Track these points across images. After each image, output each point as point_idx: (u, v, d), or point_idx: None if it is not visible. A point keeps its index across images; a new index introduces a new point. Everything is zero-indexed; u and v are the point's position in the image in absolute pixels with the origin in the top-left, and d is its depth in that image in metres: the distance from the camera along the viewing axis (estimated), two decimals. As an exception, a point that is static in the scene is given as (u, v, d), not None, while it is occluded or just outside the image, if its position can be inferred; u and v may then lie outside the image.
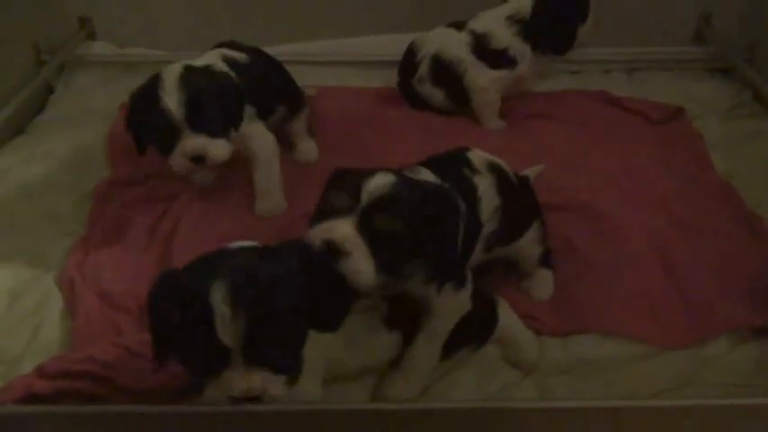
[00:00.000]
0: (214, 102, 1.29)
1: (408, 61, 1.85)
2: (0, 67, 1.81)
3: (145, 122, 1.31)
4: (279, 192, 1.46)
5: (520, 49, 1.75)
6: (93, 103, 1.89)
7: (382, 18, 2.06)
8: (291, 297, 0.83)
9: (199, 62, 1.39)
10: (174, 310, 0.80)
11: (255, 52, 1.58)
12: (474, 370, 1.13)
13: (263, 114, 1.49)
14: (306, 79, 1.80)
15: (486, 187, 1.11)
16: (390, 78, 1.92)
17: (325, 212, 0.92)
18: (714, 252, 1.33)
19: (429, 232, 0.92)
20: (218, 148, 1.30)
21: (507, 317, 1.16)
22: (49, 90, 1.98)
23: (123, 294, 1.21)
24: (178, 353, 0.85)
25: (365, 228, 0.89)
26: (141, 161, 1.59)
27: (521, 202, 1.21)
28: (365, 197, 0.90)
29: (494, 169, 1.16)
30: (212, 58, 1.44)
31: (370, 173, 0.93)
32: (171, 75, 1.28)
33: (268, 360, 0.81)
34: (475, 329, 1.11)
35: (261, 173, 1.45)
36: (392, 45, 1.94)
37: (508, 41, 1.74)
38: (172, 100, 1.25)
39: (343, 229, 0.89)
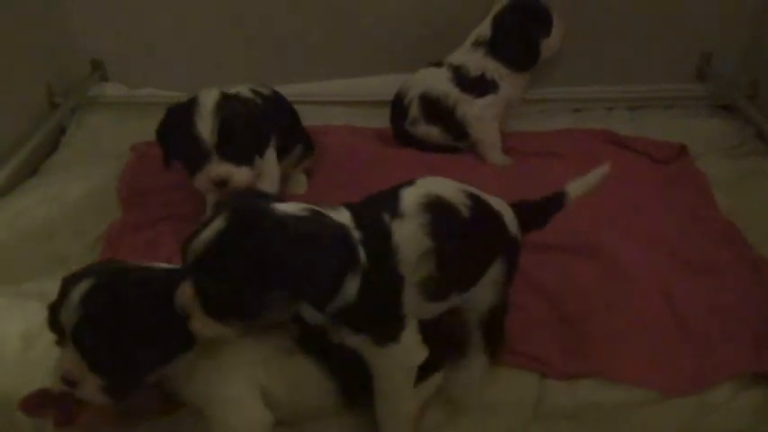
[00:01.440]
0: (244, 131, 1.36)
1: (398, 107, 1.89)
2: (14, 110, 1.86)
3: (176, 140, 1.38)
4: None
5: (494, 68, 1.80)
6: (105, 144, 1.93)
7: (384, 59, 2.10)
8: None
9: (231, 90, 1.46)
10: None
11: (275, 92, 1.66)
12: (474, 413, 1.14)
13: (283, 150, 1.56)
14: (310, 118, 1.84)
15: (408, 232, 1.00)
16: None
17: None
18: (717, 295, 1.33)
19: (265, 272, 0.88)
20: (242, 175, 1.37)
21: None
22: (62, 130, 2.02)
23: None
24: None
25: (197, 286, 0.92)
26: (151, 204, 1.63)
27: (473, 242, 1.07)
28: (189, 257, 0.91)
29: (431, 208, 1.03)
30: (243, 89, 1.52)
31: (205, 223, 0.92)
32: (207, 100, 1.35)
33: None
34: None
35: None
36: (393, 85, 1.96)
37: (482, 65, 1.80)
38: (205, 127, 1.33)
39: (183, 294, 0.92)
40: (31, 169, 1.84)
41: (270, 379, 1.03)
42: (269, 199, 0.99)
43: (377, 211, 1.02)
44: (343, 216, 0.99)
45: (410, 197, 1.04)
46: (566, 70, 2.09)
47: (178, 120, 1.37)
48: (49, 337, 1.26)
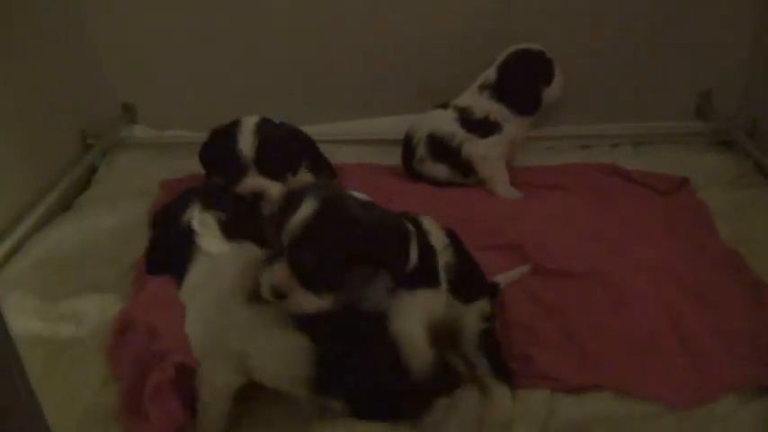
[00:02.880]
0: (279, 150, 1.53)
1: (408, 148, 1.99)
2: (51, 151, 1.97)
3: (219, 157, 1.54)
4: None
5: (498, 111, 1.89)
6: (134, 181, 2.02)
7: (396, 100, 2.21)
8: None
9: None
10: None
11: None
12: (485, 428, 1.18)
13: (313, 174, 1.70)
14: (326, 156, 1.94)
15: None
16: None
17: (271, 254, 1.08)
18: (721, 316, 1.38)
19: (353, 246, 1.03)
20: (275, 189, 1.52)
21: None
22: (93, 170, 2.12)
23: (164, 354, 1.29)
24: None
25: (293, 265, 1.03)
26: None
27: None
28: (286, 238, 1.03)
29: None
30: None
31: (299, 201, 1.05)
32: (249, 122, 1.53)
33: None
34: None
35: None
36: (405, 125, 2.06)
37: (487, 108, 1.89)
38: (246, 144, 1.50)
39: (280, 273, 1.04)
40: (65, 205, 1.94)
41: (253, 344, 1.12)
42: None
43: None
44: None
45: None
46: (573, 109, 2.19)
47: (221, 139, 1.54)
48: (77, 357, 1.34)
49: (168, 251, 1.40)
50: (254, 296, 1.12)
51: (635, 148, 2.16)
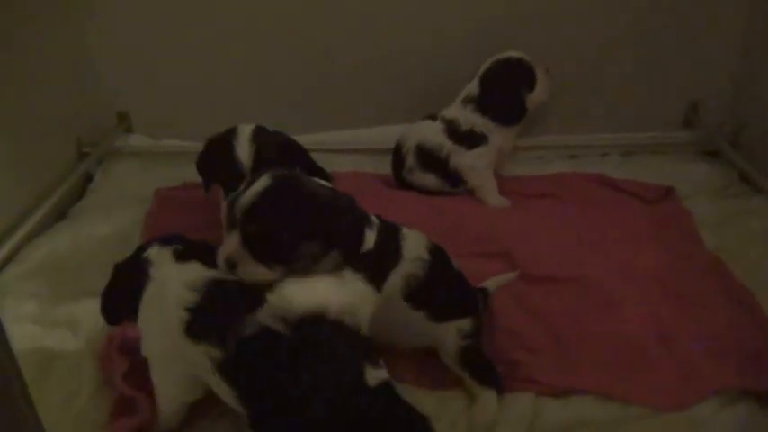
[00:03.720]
0: (275, 156, 1.55)
1: (397, 157, 2.02)
2: (47, 160, 1.99)
3: (216, 165, 1.58)
4: None
5: (482, 124, 1.91)
6: (130, 190, 2.04)
7: (392, 110, 2.24)
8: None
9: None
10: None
11: None
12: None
13: None
14: (322, 165, 1.96)
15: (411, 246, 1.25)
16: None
17: (227, 227, 1.13)
18: (704, 321, 1.42)
19: (303, 221, 1.08)
20: None
21: None
22: (89, 178, 2.14)
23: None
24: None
25: (244, 236, 1.08)
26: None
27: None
28: (238, 211, 1.08)
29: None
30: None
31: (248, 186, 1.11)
32: (245, 131, 1.57)
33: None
34: None
35: None
36: (396, 135, 2.08)
37: (471, 121, 1.92)
38: (243, 152, 1.53)
39: (231, 244, 1.09)
40: (60, 213, 1.96)
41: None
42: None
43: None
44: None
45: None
46: (562, 120, 2.23)
47: (217, 147, 1.57)
48: (72, 363, 1.36)
49: (122, 296, 1.26)
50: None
51: (623, 158, 2.20)
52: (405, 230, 1.26)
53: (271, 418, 1.01)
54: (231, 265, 1.09)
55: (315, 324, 1.04)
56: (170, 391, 1.18)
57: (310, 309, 1.04)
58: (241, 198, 1.09)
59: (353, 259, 1.13)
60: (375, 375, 1.01)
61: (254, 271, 1.09)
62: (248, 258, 1.08)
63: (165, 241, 1.23)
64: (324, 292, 1.08)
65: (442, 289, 1.27)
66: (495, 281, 1.52)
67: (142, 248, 1.25)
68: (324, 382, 0.98)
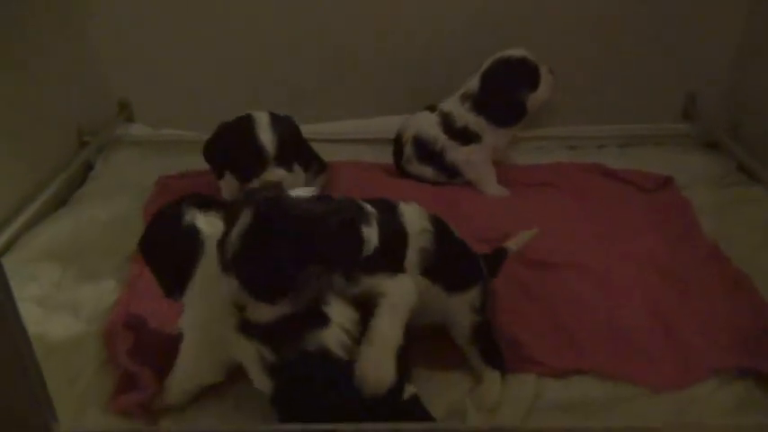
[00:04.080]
0: (292, 143, 1.61)
1: (397, 147, 2.03)
2: (47, 148, 2.00)
3: (233, 152, 1.60)
4: None
5: (476, 123, 1.90)
6: (130, 178, 2.05)
7: (390, 101, 2.25)
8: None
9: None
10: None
11: None
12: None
13: (305, 164, 1.76)
14: (321, 155, 1.97)
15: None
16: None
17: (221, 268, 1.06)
18: (701, 303, 1.43)
19: (295, 249, 1.01)
20: (289, 180, 1.60)
21: None
22: (89, 167, 2.15)
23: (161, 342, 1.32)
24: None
25: (240, 280, 1.03)
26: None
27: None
28: (227, 254, 1.03)
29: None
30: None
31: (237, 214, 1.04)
32: (263, 119, 1.60)
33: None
34: None
35: None
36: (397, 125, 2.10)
37: (465, 119, 1.91)
38: (267, 139, 1.57)
39: (230, 291, 1.04)
40: (61, 202, 1.96)
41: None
42: (279, 189, 1.13)
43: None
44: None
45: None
46: (562, 111, 2.24)
47: (234, 134, 1.61)
48: (75, 345, 1.37)
49: (177, 268, 1.23)
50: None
51: (621, 149, 2.21)
52: (401, 206, 1.25)
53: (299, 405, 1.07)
54: (240, 308, 1.05)
55: None
56: (194, 370, 1.18)
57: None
58: (227, 240, 1.03)
59: (353, 268, 1.11)
60: (409, 390, 1.11)
61: (263, 311, 1.04)
62: (251, 300, 1.03)
63: (200, 204, 1.21)
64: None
65: (452, 258, 1.28)
66: (516, 240, 1.52)
67: (171, 214, 1.21)
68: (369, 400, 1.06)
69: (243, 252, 1.01)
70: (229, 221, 1.04)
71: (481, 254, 1.41)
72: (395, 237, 1.19)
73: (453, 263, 1.28)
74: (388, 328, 1.10)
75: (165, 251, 1.19)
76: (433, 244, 1.23)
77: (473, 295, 1.29)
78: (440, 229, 1.27)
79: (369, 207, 1.18)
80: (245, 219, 1.01)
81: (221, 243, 1.04)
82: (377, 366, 1.07)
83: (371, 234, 1.12)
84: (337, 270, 1.10)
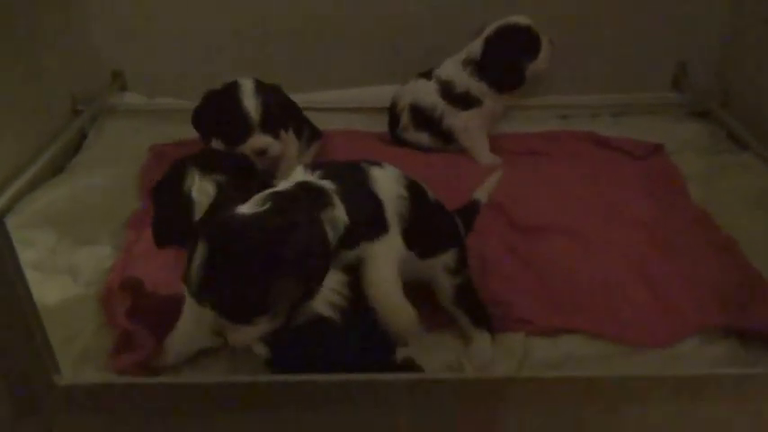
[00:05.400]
0: (278, 110, 1.61)
1: (393, 114, 2.04)
2: (41, 116, 2.01)
3: (219, 118, 1.61)
4: None
5: (477, 88, 1.92)
6: (124, 147, 2.05)
7: (383, 70, 2.26)
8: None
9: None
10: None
11: None
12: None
13: (297, 132, 1.77)
14: (316, 123, 1.99)
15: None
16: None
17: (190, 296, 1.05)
18: (688, 265, 1.46)
19: (258, 268, 0.99)
20: (277, 146, 1.63)
21: None
22: (83, 136, 2.15)
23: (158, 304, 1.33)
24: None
25: (212, 307, 1.03)
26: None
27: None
28: (192, 287, 1.02)
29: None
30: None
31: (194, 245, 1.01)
32: (248, 85, 1.60)
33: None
34: None
35: (284, 169, 1.68)
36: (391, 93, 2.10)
37: (467, 84, 1.92)
38: (251, 105, 1.58)
39: (206, 318, 1.05)
40: (57, 169, 1.97)
41: None
42: (230, 206, 1.07)
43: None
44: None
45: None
46: (553, 80, 2.24)
47: (220, 101, 1.61)
48: (74, 307, 1.39)
49: (171, 223, 1.45)
50: None
51: (614, 119, 2.23)
52: (374, 171, 1.21)
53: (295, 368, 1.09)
54: (219, 335, 1.04)
55: (366, 312, 1.13)
56: (193, 333, 1.20)
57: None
58: (189, 272, 1.01)
59: (322, 273, 1.06)
60: (403, 353, 1.15)
61: (242, 335, 1.04)
62: (228, 325, 1.03)
63: (202, 169, 1.26)
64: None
65: (427, 223, 1.26)
66: (483, 189, 1.55)
67: (178, 172, 1.31)
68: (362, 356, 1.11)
69: (207, 283, 1.00)
70: (188, 255, 1.03)
71: (454, 210, 1.43)
72: (367, 205, 1.17)
73: (428, 228, 1.27)
74: (386, 274, 1.15)
75: (165, 205, 1.30)
76: (408, 210, 1.21)
77: (450, 257, 1.30)
78: (415, 193, 1.25)
79: (328, 185, 1.13)
80: (201, 250, 1.00)
81: (185, 278, 1.03)
82: (394, 311, 1.13)
83: (338, 213, 1.10)
84: (311, 275, 1.05)
